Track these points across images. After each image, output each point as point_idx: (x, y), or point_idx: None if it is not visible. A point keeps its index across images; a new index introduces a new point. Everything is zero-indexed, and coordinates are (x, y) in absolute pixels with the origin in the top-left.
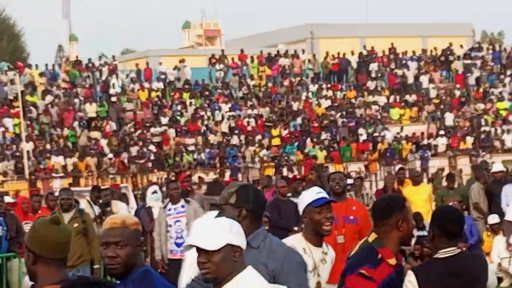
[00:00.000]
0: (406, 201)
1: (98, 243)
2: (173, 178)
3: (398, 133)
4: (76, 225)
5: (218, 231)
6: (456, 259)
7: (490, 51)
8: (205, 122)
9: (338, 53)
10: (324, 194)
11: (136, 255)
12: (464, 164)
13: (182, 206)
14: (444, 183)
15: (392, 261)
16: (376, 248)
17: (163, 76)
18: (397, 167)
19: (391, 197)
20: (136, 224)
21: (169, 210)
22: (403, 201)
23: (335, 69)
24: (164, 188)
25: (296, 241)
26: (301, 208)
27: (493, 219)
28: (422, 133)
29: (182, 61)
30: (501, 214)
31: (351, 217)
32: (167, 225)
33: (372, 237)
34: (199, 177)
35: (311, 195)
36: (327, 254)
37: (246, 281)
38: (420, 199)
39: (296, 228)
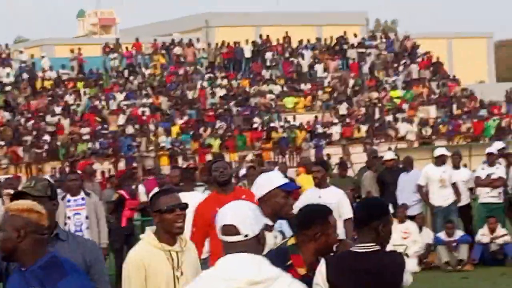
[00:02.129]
0: (330, 214)
1: None
2: (67, 169)
3: (287, 121)
4: None
5: None
6: (373, 256)
7: (384, 40)
8: (100, 112)
9: (234, 42)
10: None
11: None
12: (358, 152)
13: (82, 199)
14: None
15: (301, 271)
16: (289, 254)
17: (56, 65)
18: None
19: (314, 208)
20: None
21: (68, 201)
22: (326, 213)
23: (229, 58)
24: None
25: None
26: (265, 190)
27: None
28: (316, 119)
29: (72, 51)
30: (395, 203)
31: None
32: (65, 217)
33: (291, 241)
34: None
35: (278, 178)
36: (281, 233)
37: None
38: None
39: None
